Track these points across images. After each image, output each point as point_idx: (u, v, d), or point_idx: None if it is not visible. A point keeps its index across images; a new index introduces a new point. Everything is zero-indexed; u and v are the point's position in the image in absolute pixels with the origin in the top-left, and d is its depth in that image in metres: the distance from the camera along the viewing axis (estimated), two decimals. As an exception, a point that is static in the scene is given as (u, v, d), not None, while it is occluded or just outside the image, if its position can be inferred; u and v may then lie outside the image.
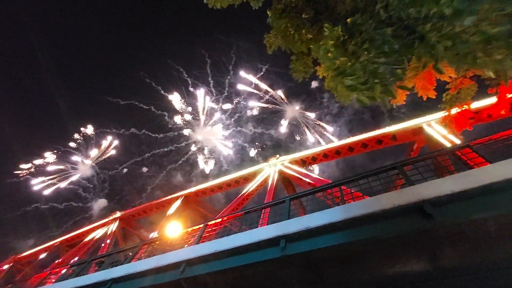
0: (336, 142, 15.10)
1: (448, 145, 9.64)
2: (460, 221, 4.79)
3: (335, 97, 4.05)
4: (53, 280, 11.55)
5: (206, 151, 53.69)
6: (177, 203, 17.69)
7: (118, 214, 19.93)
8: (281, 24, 5.43)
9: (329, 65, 3.45)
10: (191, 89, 53.07)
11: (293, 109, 52.09)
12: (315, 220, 5.88)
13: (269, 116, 53.49)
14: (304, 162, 15.64)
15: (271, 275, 6.44)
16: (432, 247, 5.35)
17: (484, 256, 5.24)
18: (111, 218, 19.85)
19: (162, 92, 53.28)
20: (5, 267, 22.30)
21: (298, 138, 51.77)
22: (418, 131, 12.18)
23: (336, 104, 49.60)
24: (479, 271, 5.38)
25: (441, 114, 10.26)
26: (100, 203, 54.95)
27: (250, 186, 15.12)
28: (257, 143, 53.79)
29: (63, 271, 12.10)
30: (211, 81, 54.04)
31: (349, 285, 6.13)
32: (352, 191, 6.81)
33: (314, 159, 15.49)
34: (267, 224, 7.33)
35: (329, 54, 3.41)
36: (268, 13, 5.59)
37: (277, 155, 16.20)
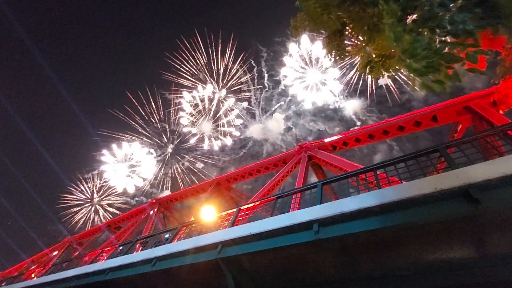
0: (369, 125, 14.42)
1: (499, 124, 8.75)
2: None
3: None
4: (105, 258, 12.90)
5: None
6: (210, 188, 18.47)
7: (157, 199, 21.48)
8: (310, 5, 5.17)
9: (394, 46, 3.20)
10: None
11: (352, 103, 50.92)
12: (349, 205, 5.81)
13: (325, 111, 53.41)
14: (335, 147, 15.26)
15: (304, 258, 6.57)
16: (478, 234, 5.06)
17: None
18: (151, 202, 21.43)
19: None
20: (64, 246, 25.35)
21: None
22: (462, 110, 11.16)
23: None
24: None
25: (490, 90, 9.36)
26: (164, 194, 61.29)
27: (280, 172, 15.22)
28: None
29: (113, 250, 13.46)
30: (264, 75, 54.76)
31: (385, 270, 6.05)
32: (388, 176, 6.56)
33: (345, 144, 15.02)
34: (298, 209, 7.40)
35: (397, 32, 3.10)
36: None
37: (307, 141, 16.01)
